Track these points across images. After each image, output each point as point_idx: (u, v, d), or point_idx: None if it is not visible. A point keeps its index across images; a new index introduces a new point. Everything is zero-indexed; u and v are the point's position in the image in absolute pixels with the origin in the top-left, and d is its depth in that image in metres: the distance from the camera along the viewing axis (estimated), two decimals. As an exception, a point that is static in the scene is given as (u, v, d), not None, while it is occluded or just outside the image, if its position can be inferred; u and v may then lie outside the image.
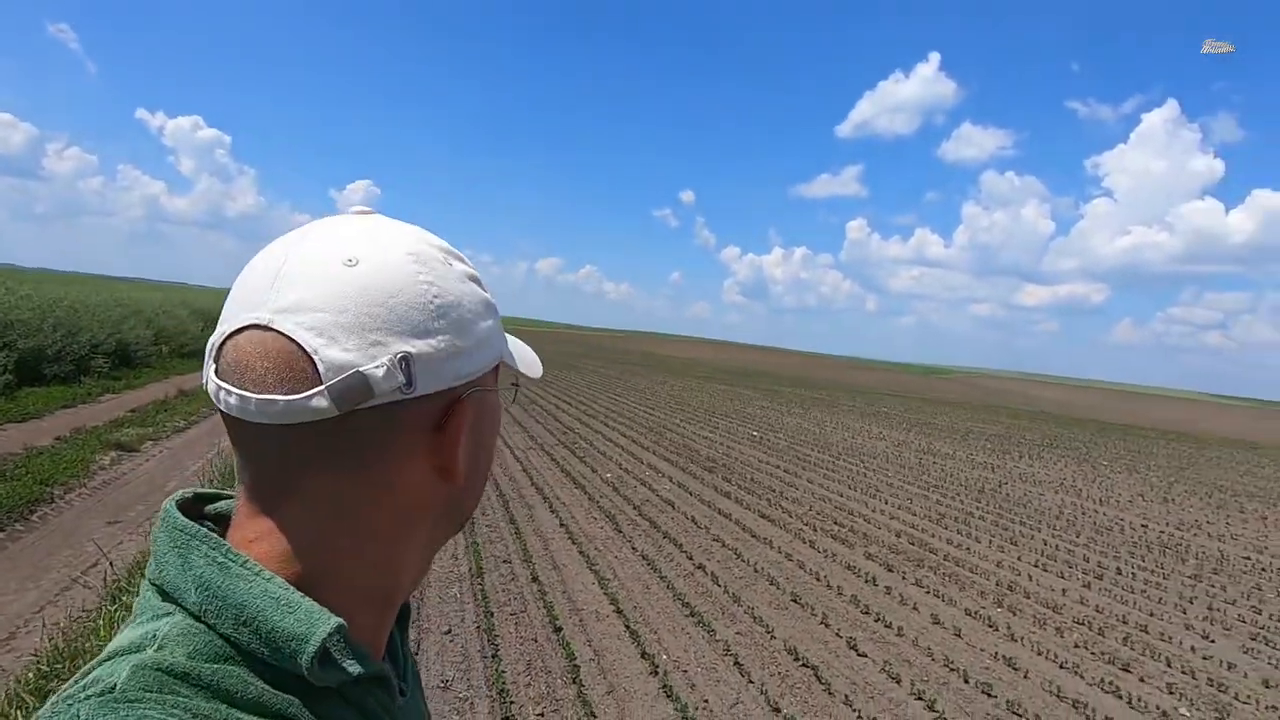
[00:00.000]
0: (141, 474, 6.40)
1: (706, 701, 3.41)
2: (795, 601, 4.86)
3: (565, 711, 3.20)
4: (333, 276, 0.41)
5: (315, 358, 0.39)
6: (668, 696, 3.39)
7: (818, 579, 5.39)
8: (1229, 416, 66.90)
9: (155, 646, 0.39)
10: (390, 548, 0.45)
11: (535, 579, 4.74)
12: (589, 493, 7.40)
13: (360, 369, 0.39)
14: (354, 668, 0.41)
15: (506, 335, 0.54)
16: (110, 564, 4.03)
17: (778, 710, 3.39)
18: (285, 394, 0.39)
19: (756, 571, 5.40)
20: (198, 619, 0.40)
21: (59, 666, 2.75)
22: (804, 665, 3.90)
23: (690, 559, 5.52)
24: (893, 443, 15.16)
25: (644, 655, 3.79)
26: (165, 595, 0.42)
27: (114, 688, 0.36)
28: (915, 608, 5.02)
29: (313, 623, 0.39)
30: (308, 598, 0.41)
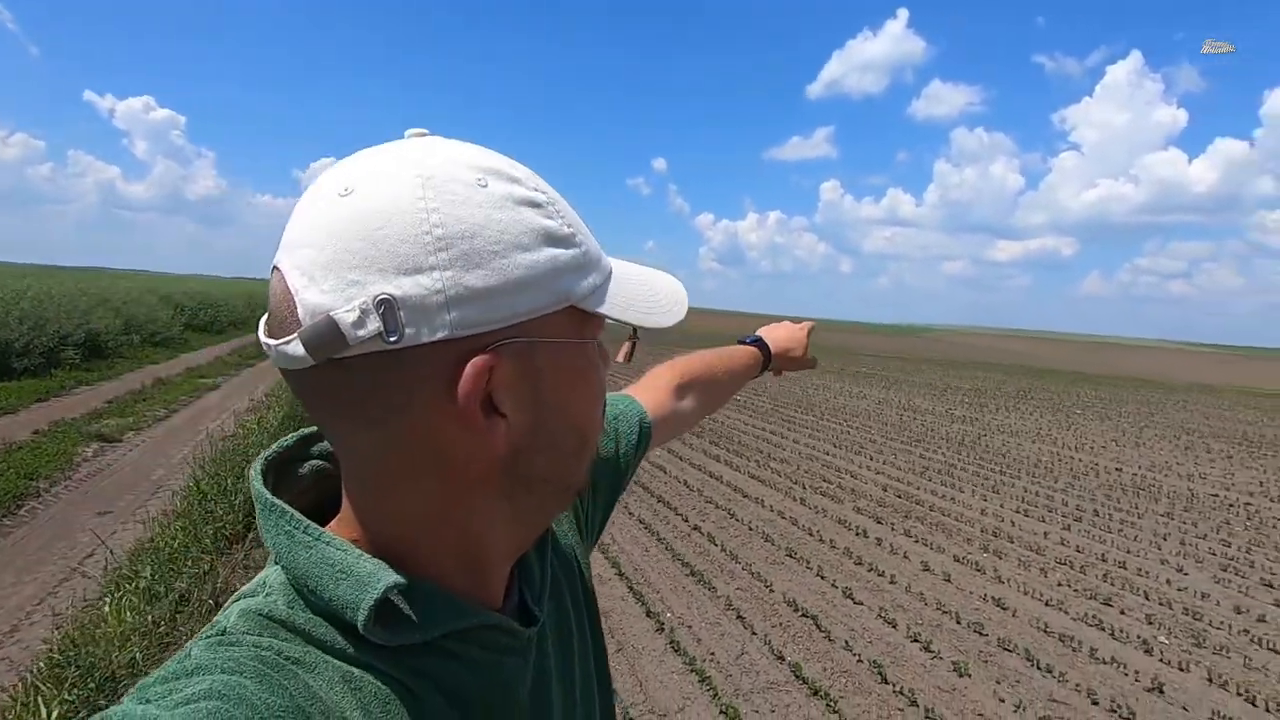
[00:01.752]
0: (126, 464, 6.32)
1: (713, 654, 3.52)
2: (791, 556, 4.99)
3: (577, 671, 3.28)
4: (323, 208, 0.37)
5: (295, 299, 0.36)
6: (675, 651, 3.50)
7: (810, 534, 5.53)
8: (1193, 363, 68.95)
9: (264, 593, 0.41)
10: (449, 512, 0.42)
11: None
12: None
13: (331, 313, 0.35)
14: (432, 628, 0.41)
15: (623, 272, 0.47)
16: (110, 551, 4.00)
17: (782, 658, 3.51)
18: (275, 339, 0.37)
19: (751, 530, 5.53)
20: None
21: (71, 653, 2.75)
22: (804, 615, 4.03)
23: (686, 521, 5.62)
24: (874, 401, 15.43)
25: (649, 614, 3.88)
26: None
27: (225, 630, 0.39)
28: (905, 556, 5.18)
29: (363, 588, 0.38)
30: (368, 559, 0.39)
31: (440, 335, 0.36)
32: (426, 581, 0.42)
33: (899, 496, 6.96)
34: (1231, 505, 7.75)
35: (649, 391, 0.84)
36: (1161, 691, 3.47)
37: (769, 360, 1.05)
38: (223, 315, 23.36)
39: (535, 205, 0.40)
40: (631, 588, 4.23)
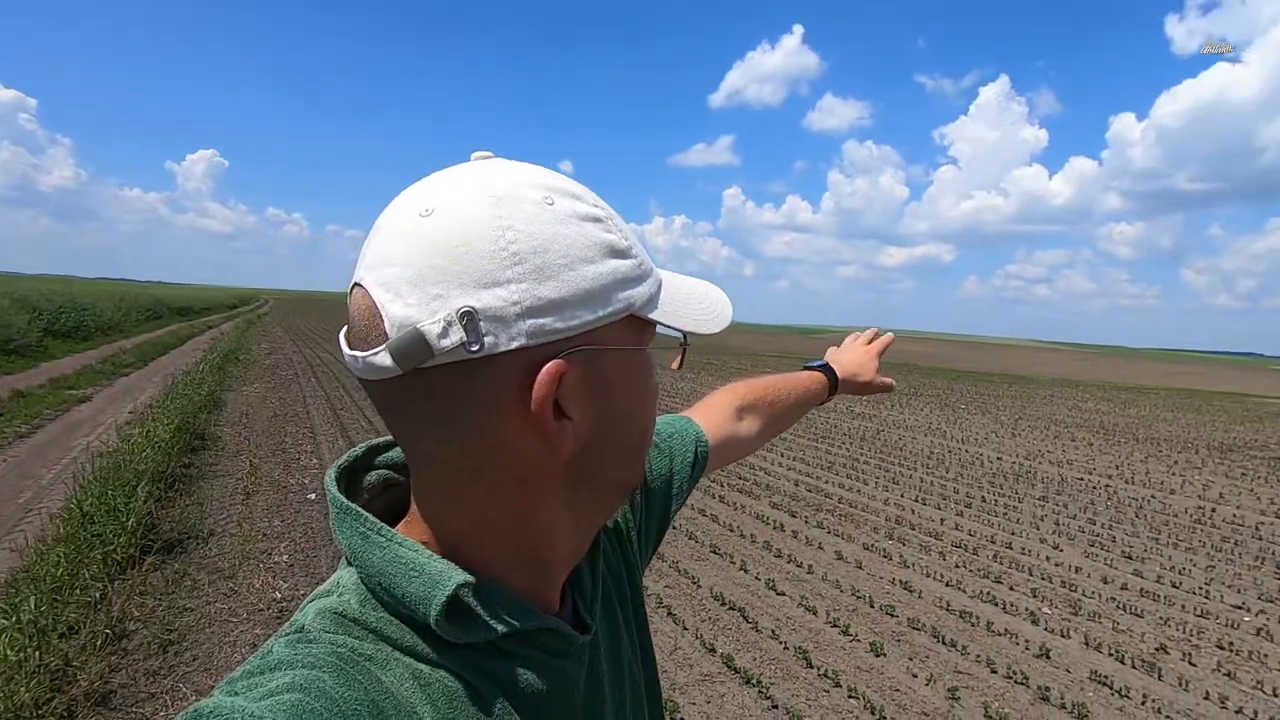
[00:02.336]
0: (-13, 486, 5.65)
1: (648, 651, 3.58)
2: (715, 552, 5.14)
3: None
4: (407, 229, 0.40)
5: (382, 313, 0.39)
6: (611, 651, 3.54)
7: (731, 530, 5.72)
8: (1057, 359, 76.13)
9: (338, 593, 0.44)
10: (518, 513, 0.44)
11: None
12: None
13: (418, 325, 0.37)
14: (500, 625, 0.43)
15: (671, 282, 0.49)
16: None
17: (714, 650, 3.63)
18: (362, 350, 0.40)
19: (675, 529, 5.64)
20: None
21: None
22: (731, 608, 4.18)
23: (611, 523, 5.67)
24: (781, 400, 16.05)
25: (582, 616, 3.90)
26: None
27: (303, 628, 0.41)
28: (820, 547, 5.46)
29: (434, 585, 0.41)
30: (438, 559, 0.42)
31: (517, 344, 0.39)
32: (493, 582, 0.44)
33: (810, 490, 7.31)
34: (1095, 487, 8.65)
35: (708, 413, 0.84)
36: (1048, 657, 3.85)
37: (835, 385, 1.04)
38: (90, 320, 21.20)
39: (596, 220, 0.43)
40: (562, 591, 4.23)
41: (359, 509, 0.44)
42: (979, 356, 69.65)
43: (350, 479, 0.49)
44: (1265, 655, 4.06)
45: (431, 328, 0.37)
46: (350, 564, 0.45)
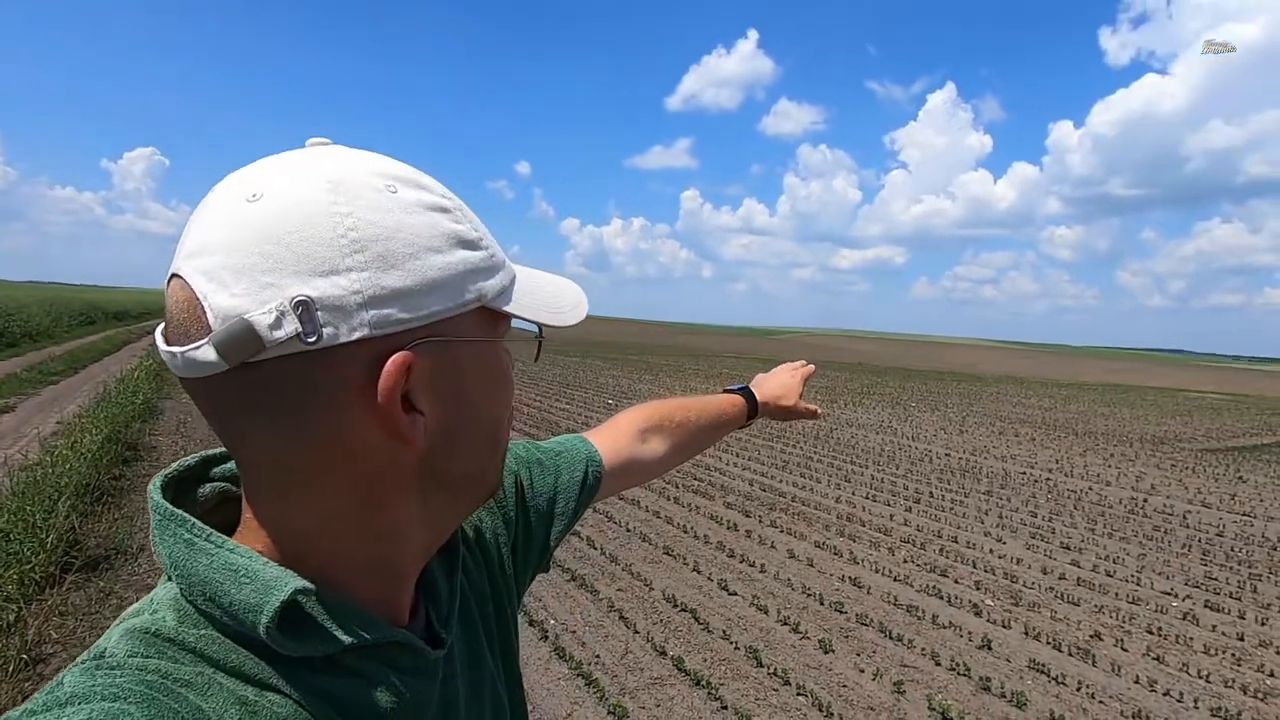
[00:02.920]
0: (-107, 504, 5.28)
1: (598, 656, 3.55)
2: (668, 554, 5.14)
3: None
4: (231, 214, 0.37)
5: (204, 304, 0.36)
6: (560, 657, 3.49)
7: (685, 531, 5.72)
8: (1002, 358, 78.78)
9: (151, 611, 0.40)
10: (365, 514, 0.41)
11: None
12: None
13: (245, 315, 0.35)
14: (344, 635, 0.39)
15: (525, 275, 0.48)
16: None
17: (664, 653, 3.61)
18: (181, 345, 0.37)
19: (629, 531, 5.62)
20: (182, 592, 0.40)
21: None
22: (683, 610, 4.17)
23: (564, 527, 5.62)
24: (737, 401, 16.21)
25: (532, 623, 3.84)
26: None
27: (103, 653, 0.37)
28: (772, 546, 5.51)
29: (268, 591, 0.37)
30: (274, 566, 0.39)
31: (359, 335, 0.37)
32: (336, 591, 0.41)
33: (764, 490, 7.38)
34: (1036, 481, 8.96)
35: (609, 434, 0.81)
36: (990, 648, 3.95)
37: (755, 409, 1.02)
38: (15, 325, 20.09)
39: (444, 210, 0.41)
40: (512, 598, 4.17)
41: (184, 514, 0.41)
42: (929, 356, 71.64)
43: (181, 490, 0.45)
44: (1191, 639, 4.25)
45: (262, 318, 0.35)
46: (169, 579, 0.41)
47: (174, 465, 0.45)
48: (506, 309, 0.44)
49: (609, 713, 3.04)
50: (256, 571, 0.38)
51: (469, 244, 0.42)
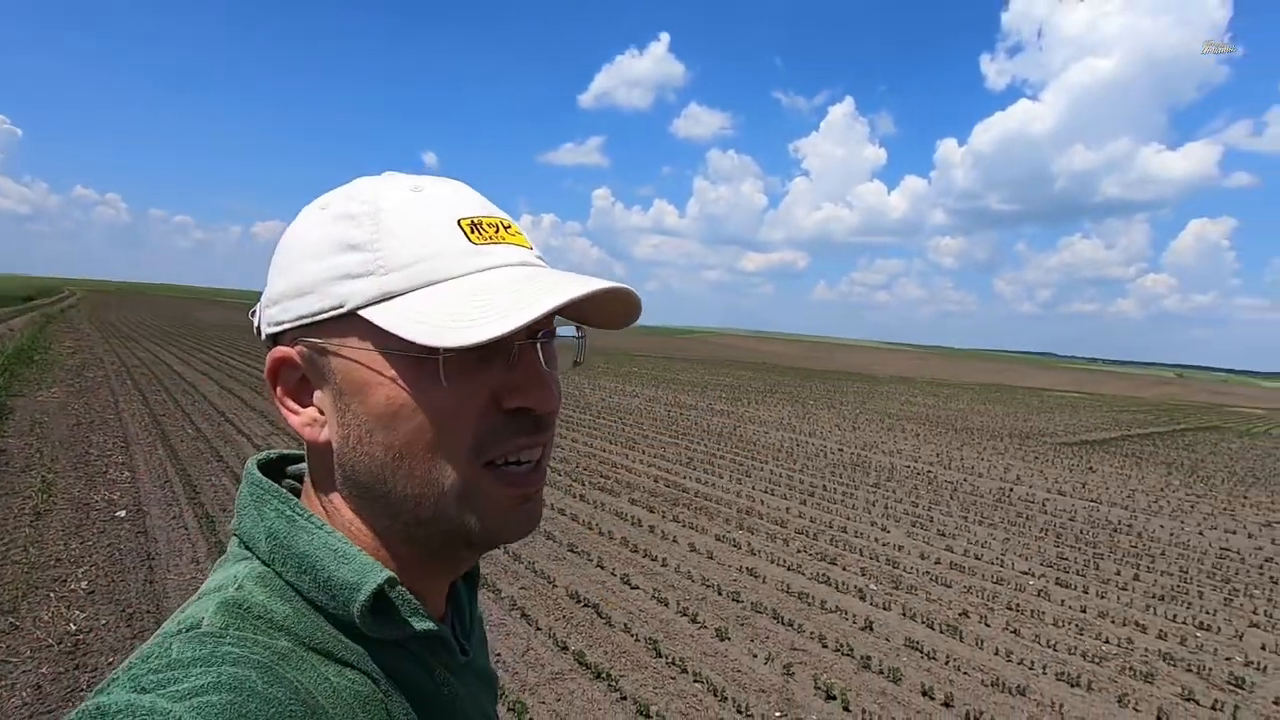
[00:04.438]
0: None
1: (499, 655, 3.54)
2: (572, 551, 5.17)
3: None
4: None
5: None
6: (460, 658, 3.45)
7: (590, 528, 5.78)
8: (894, 359, 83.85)
9: (235, 586, 0.41)
10: (348, 512, 0.45)
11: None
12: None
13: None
14: (417, 623, 0.43)
15: (478, 280, 0.41)
16: None
17: (565, 648, 3.65)
18: None
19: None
20: (268, 565, 0.43)
21: None
22: (585, 605, 4.22)
23: (467, 526, 5.54)
24: (645, 399, 16.43)
25: (431, 624, 3.78)
26: (244, 544, 0.44)
27: (201, 623, 0.38)
28: (675, 540, 5.65)
29: (365, 573, 0.41)
30: (366, 553, 0.42)
31: (265, 333, 0.46)
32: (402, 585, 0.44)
33: (668, 486, 7.55)
34: (919, 474, 9.63)
35: None
36: (871, 629, 4.25)
37: None
38: None
39: (349, 217, 0.43)
40: (411, 600, 4.08)
41: (287, 493, 0.45)
42: (828, 357, 75.15)
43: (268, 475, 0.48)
44: (1043, 613, 4.72)
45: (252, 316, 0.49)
46: (252, 554, 0.43)
47: (260, 454, 0.50)
48: (368, 315, 0.40)
49: (508, 709, 3.05)
50: (354, 555, 0.42)
51: (352, 247, 0.42)
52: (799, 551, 5.64)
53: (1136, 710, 3.54)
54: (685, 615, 4.21)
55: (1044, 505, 8.21)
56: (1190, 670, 4.04)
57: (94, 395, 10.05)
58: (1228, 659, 4.25)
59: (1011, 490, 8.95)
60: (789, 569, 5.20)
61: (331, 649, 0.41)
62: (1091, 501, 8.68)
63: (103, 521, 4.89)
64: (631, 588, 4.58)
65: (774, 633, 4.09)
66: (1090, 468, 11.53)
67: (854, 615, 4.42)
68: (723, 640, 3.92)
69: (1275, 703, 3.74)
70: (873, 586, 4.98)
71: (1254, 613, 5.10)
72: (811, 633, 4.11)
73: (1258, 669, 4.14)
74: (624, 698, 3.25)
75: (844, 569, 5.31)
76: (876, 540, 6.14)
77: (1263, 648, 4.46)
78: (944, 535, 6.48)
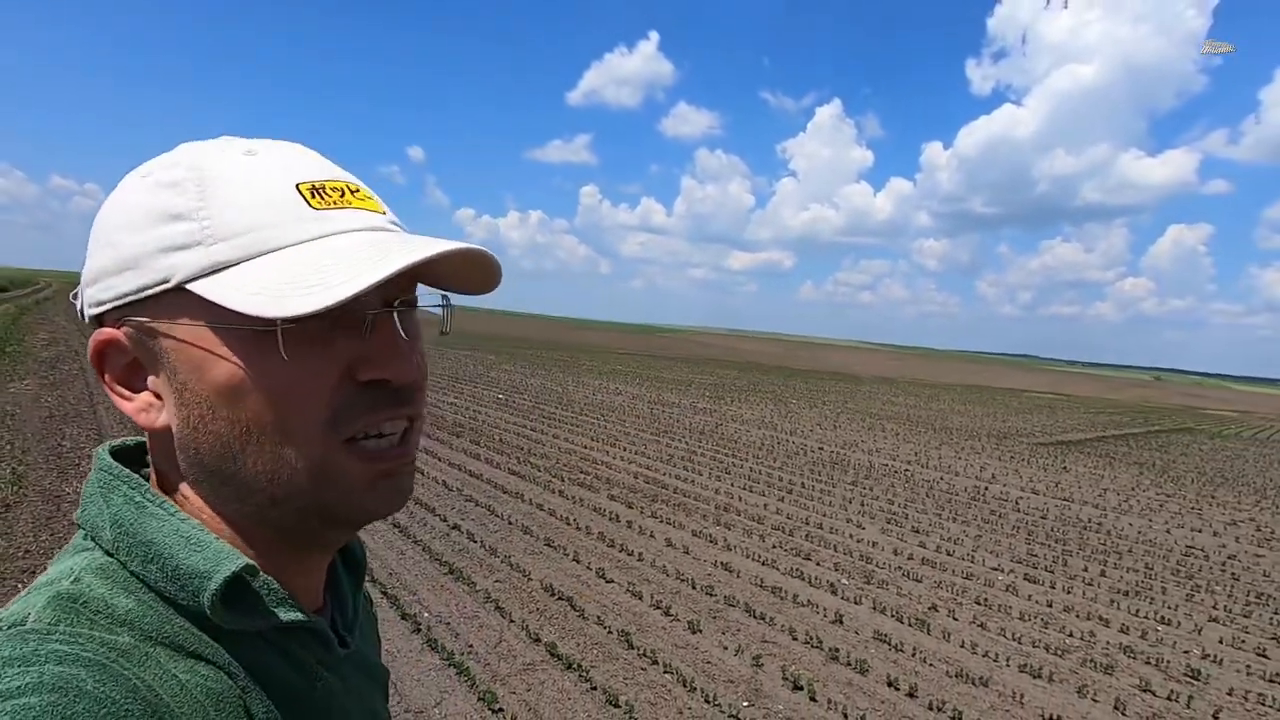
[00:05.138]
0: None
1: (471, 646, 3.56)
2: (549, 545, 5.20)
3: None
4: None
5: None
6: (432, 648, 3.47)
7: (568, 523, 5.80)
8: (875, 359, 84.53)
9: (71, 579, 0.38)
10: (198, 500, 0.42)
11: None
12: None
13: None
14: (283, 613, 0.40)
15: (323, 246, 0.39)
16: None
17: (538, 640, 3.68)
18: None
19: (510, 524, 5.63)
20: (111, 556, 0.39)
21: None
22: (560, 598, 4.25)
23: (444, 520, 5.55)
24: (628, 396, 16.46)
25: (404, 616, 3.79)
26: (88, 535, 0.41)
27: (27, 619, 0.35)
28: (652, 535, 5.70)
29: (218, 560, 0.38)
30: (221, 540, 0.40)
31: (88, 315, 0.41)
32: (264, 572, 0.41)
33: (648, 483, 7.59)
34: (896, 472, 9.75)
35: None
36: (841, 622, 4.31)
37: None
38: None
39: (174, 185, 0.40)
40: (385, 591, 4.08)
41: (138, 478, 0.41)
42: (812, 356, 75.60)
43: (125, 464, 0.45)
44: (1010, 607, 4.82)
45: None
46: (95, 545, 0.40)
47: (113, 441, 0.46)
48: (196, 289, 0.38)
49: (479, 699, 3.07)
50: (209, 542, 0.39)
51: (175, 217, 0.39)
52: (774, 547, 5.70)
53: (1095, 700, 3.63)
54: (659, 608, 4.26)
55: (1017, 503, 8.35)
56: (1149, 663, 4.15)
57: (68, 388, 9.91)
58: (1186, 652, 4.37)
59: (986, 489, 9.09)
60: (764, 564, 5.26)
61: (182, 643, 0.37)
62: (1064, 500, 8.84)
63: (74, 514, 4.85)
64: (606, 581, 4.62)
65: (745, 626, 4.14)
66: (1064, 467, 11.73)
67: (825, 609, 4.49)
68: (694, 633, 3.97)
69: (1229, 694, 3.86)
70: (845, 581, 5.06)
71: (1214, 608, 5.24)
72: (783, 626, 4.17)
73: (1214, 661, 4.26)
74: (594, 688, 3.28)
75: (818, 564, 5.39)
76: (851, 536, 6.23)
77: (1220, 641, 4.58)
78: (918, 532, 6.58)
